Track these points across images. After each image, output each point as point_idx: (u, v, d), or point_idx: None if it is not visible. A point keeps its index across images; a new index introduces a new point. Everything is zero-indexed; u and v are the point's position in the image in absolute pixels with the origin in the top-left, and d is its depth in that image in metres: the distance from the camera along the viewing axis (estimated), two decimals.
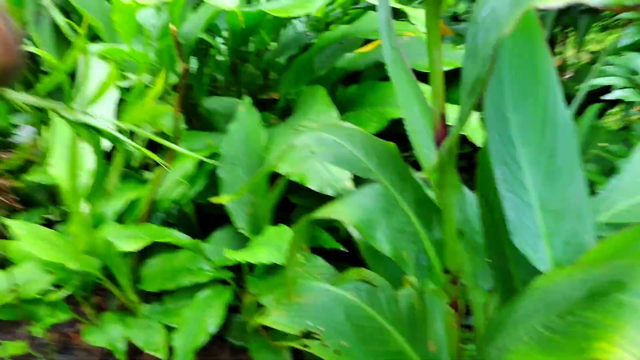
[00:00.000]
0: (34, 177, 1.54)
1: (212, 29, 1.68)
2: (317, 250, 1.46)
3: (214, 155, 1.50)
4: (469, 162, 1.87)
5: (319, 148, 0.70)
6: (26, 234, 1.38)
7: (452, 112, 0.59)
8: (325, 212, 0.66)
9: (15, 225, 1.38)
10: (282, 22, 1.80)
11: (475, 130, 1.27)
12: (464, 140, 1.31)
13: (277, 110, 1.81)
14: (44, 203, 1.87)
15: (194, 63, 1.79)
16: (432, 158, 0.76)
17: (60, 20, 1.25)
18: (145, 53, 0.92)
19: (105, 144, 1.38)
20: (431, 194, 0.83)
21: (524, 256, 0.75)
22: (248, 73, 1.96)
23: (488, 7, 0.58)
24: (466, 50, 0.63)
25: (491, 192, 0.83)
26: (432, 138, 0.66)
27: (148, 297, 1.61)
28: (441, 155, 0.61)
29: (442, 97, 0.59)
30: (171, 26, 0.83)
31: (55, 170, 1.37)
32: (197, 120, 1.88)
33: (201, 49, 1.78)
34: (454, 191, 0.68)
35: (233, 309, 1.52)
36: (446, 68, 1.46)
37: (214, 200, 0.91)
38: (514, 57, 0.80)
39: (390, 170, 0.78)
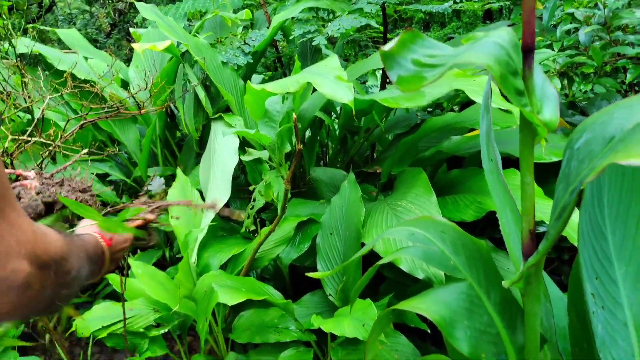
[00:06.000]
0: (157, 224, 1.74)
1: (328, 106, 1.84)
2: (401, 325, 1.48)
3: (315, 223, 1.61)
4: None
5: (410, 243, 0.76)
6: (142, 273, 1.55)
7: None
8: (409, 306, 0.71)
9: (135, 265, 1.56)
10: None
11: (575, 230, 1.25)
12: None
13: (378, 184, 1.90)
14: (160, 245, 2.09)
15: (307, 132, 1.96)
16: (520, 264, 0.79)
17: (202, 95, 1.47)
18: (268, 136, 1.06)
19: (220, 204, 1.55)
20: (519, 296, 0.84)
21: None
22: (356, 146, 2.08)
23: (583, 138, 0.62)
24: (561, 172, 0.67)
25: (583, 303, 0.83)
26: (521, 248, 0.69)
27: (234, 346, 1.71)
28: (527, 268, 0.64)
29: (532, 215, 0.64)
30: (293, 115, 0.95)
31: (176, 222, 1.56)
32: (304, 185, 2.03)
33: (315, 122, 1.95)
34: (537, 301, 0.70)
35: None
36: (555, 159, 1.46)
37: (312, 275, 1.00)
38: (615, 176, 0.81)
39: (477, 270, 0.81)
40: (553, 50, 1.73)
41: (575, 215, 0.84)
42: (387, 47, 0.63)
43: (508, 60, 0.56)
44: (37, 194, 1.03)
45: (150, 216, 0.95)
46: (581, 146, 0.62)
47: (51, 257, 0.45)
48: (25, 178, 1.09)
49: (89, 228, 0.72)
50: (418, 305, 0.70)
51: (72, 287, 0.51)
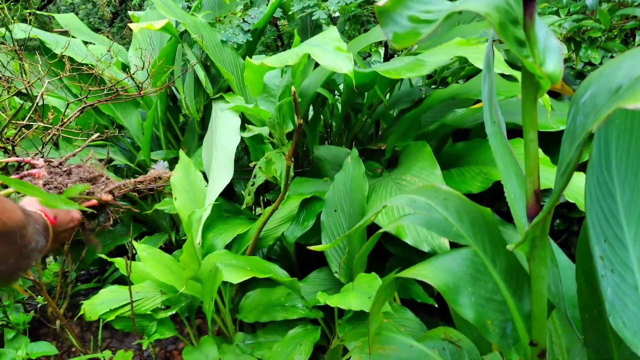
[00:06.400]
0: (162, 206, 1.73)
1: (330, 83, 1.81)
2: (409, 301, 1.46)
3: (319, 200, 1.59)
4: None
5: (411, 210, 0.74)
6: (147, 256, 1.55)
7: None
8: (411, 273, 0.69)
9: (140, 248, 1.55)
10: (396, 79, 1.87)
11: (581, 195, 1.22)
12: None
13: (383, 160, 1.87)
14: (166, 229, 2.09)
15: (310, 111, 1.93)
16: (525, 228, 0.76)
17: (201, 75, 1.44)
18: (267, 111, 1.03)
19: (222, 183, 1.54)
20: (525, 264, 0.82)
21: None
22: (359, 124, 2.06)
23: (589, 92, 0.59)
24: (566, 129, 0.64)
25: (592, 268, 0.80)
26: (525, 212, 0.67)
27: (242, 325, 1.71)
28: (532, 230, 0.62)
29: (536, 176, 0.61)
30: (292, 88, 0.93)
31: (179, 204, 1.54)
32: (308, 164, 2.00)
33: (318, 101, 1.92)
34: (544, 265, 0.68)
35: (320, 348, 1.57)
36: (563, 127, 1.43)
37: (312, 248, 0.98)
38: (623, 132, 0.77)
39: (482, 236, 0.79)
40: (559, 17, 1.69)
41: (583, 180, 0.81)
42: (381, 3, 0.60)
43: (507, 7, 0.53)
44: (44, 185, 1.01)
45: (107, 197, 0.91)
46: (587, 100, 0.59)
47: (14, 226, 0.44)
48: (34, 166, 1.07)
49: (31, 204, 0.70)
50: (420, 272, 0.68)
51: (30, 258, 0.50)
